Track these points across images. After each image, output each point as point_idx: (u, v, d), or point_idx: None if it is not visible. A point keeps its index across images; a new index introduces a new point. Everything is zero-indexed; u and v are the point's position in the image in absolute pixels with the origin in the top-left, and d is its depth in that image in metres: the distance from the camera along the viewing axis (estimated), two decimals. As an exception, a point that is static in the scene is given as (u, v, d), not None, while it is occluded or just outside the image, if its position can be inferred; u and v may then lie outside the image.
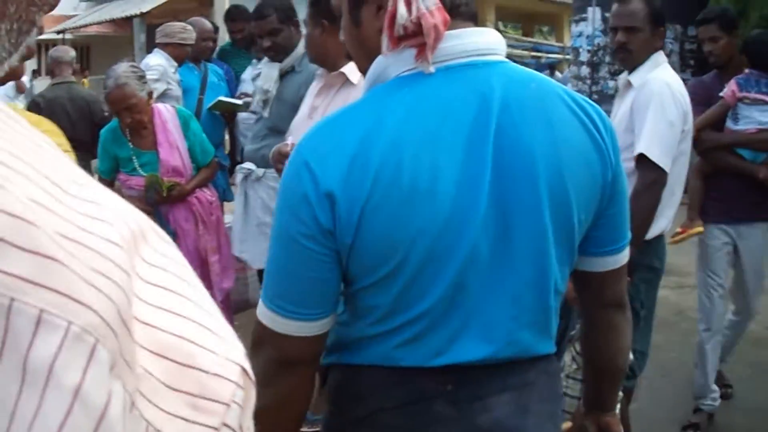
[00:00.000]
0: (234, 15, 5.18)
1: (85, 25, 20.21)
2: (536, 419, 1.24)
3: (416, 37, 1.12)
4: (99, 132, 3.62)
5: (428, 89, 1.15)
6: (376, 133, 1.12)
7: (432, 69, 1.14)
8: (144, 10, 16.88)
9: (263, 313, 1.21)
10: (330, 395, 1.31)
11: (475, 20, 1.23)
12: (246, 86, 4.56)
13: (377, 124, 1.13)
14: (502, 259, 1.16)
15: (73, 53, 4.97)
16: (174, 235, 3.53)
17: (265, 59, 3.59)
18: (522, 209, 1.15)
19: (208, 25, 5.07)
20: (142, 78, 3.39)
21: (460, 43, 1.17)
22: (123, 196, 3.34)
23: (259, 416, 1.31)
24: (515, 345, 1.20)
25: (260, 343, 1.22)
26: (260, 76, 3.62)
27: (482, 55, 1.18)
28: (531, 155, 1.14)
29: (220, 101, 4.54)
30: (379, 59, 1.20)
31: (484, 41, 1.19)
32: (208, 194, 3.65)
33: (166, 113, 3.53)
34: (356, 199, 1.10)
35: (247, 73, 4.69)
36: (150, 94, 3.44)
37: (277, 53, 3.39)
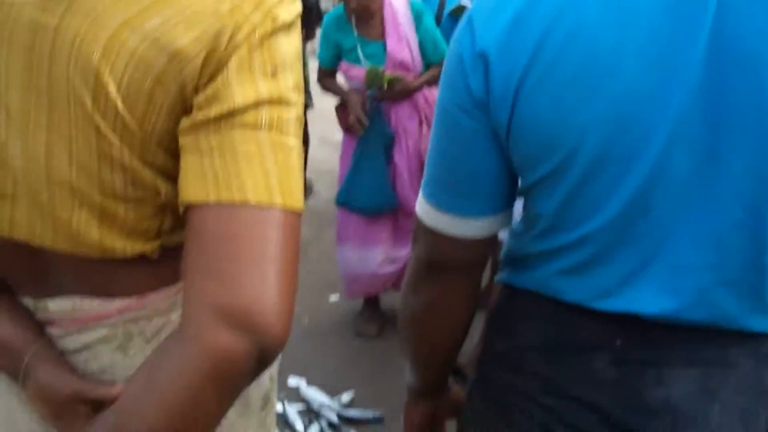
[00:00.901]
0: None
1: None
2: (724, 413, 0.96)
3: None
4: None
5: None
6: None
7: None
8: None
9: (420, 206, 1.10)
10: (487, 321, 1.16)
11: None
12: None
13: None
14: (703, 184, 0.90)
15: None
16: (394, 136, 3.37)
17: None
18: (741, 123, 0.86)
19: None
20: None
21: None
22: (345, 85, 3.25)
23: (411, 323, 1.19)
24: (710, 307, 0.94)
25: (414, 242, 1.12)
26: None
27: None
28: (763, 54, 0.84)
29: (460, 6, 4.27)
30: None
31: None
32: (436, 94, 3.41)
33: (397, 3, 3.33)
34: (514, 66, 0.92)
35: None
36: (381, -19, 3.25)
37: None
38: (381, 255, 3.51)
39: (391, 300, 3.94)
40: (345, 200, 3.49)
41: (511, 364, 1.07)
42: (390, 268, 3.55)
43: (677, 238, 0.92)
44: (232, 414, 1.00)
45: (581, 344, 1.00)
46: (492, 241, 1.10)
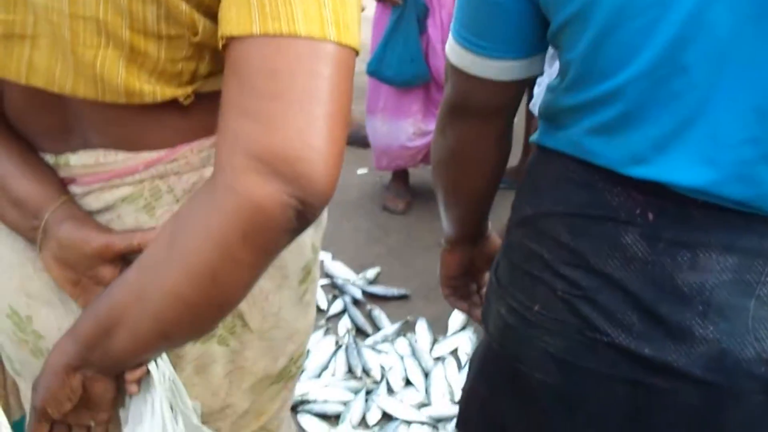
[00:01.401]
0: None
1: None
2: (761, 309, 0.91)
3: None
4: None
5: None
6: None
7: None
8: None
9: (448, 45, 1.07)
10: (518, 185, 1.12)
11: None
12: None
13: None
14: (745, 48, 0.83)
15: None
16: (428, 7, 3.24)
17: None
18: None
19: None
20: None
21: None
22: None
23: (438, 167, 1.20)
24: (751, 183, 0.88)
25: (444, 83, 1.11)
26: None
27: None
28: None
29: None
30: None
31: None
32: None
33: None
34: None
35: None
36: None
37: None
38: (411, 127, 3.43)
39: (421, 176, 3.85)
40: (376, 69, 3.37)
41: (535, 231, 1.03)
42: (420, 142, 3.46)
43: (716, 105, 0.86)
44: (267, 284, 0.91)
45: (611, 215, 0.94)
46: (519, 89, 1.07)
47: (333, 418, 2.42)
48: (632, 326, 0.95)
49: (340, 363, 2.63)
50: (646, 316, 0.94)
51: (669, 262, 0.92)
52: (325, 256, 3.23)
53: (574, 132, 0.98)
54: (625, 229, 0.94)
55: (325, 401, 2.46)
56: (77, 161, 0.85)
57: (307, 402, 2.44)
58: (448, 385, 2.54)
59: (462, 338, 2.75)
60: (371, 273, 3.14)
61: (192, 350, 0.90)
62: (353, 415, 2.40)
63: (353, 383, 2.55)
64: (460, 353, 2.70)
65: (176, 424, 0.85)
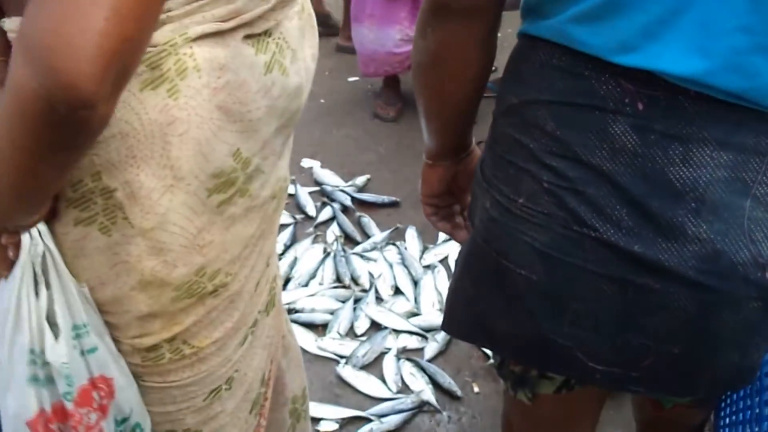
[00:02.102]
0: None
1: None
2: (756, 208, 0.88)
3: None
4: None
5: None
6: None
7: None
8: None
9: None
10: (502, 75, 1.07)
11: None
12: None
13: None
14: None
15: None
16: None
17: None
18: None
19: None
20: None
21: None
22: None
23: (419, 72, 1.14)
24: (744, 74, 0.85)
25: None
26: None
27: None
28: None
29: None
30: None
31: None
32: None
33: None
34: None
35: None
36: None
37: None
38: (398, 34, 3.33)
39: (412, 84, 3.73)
40: None
41: (520, 120, 0.98)
42: (407, 48, 3.36)
43: None
44: (148, 180, 0.87)
45: (599, 104, 0.90)
46: None
47: (320, 328, 2.39)
48: (621, 221, 0.90)
49: (328, 271, 2.59)
50: (636, 211, 0.90)
51: (660, 155, 0.88)
52: (313, 164, 3.16)
53: (559, 20, 0.93)
54: (613, 118, 0.89)
55: (313, 310, 2.43)
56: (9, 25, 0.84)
57: (294, 311, 2.41)
58: (438, 293, 2.51)
59: (452, 246, 2.70)
60: (361, 180, 3.07)
61: (72, 231, 0.90)
62: (341, 325, 2.37)
63: (341, 292, 2.51)
64: (450, 261, 2.66)
65: (36, 297, 0.89)
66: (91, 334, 0.94)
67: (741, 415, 1.23)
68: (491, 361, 2.24)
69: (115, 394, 0.98)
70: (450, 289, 1.18)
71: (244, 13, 0.88)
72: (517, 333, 1.02)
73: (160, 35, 0.82)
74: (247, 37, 0.90)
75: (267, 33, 0.93)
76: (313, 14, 1.10)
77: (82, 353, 0.93)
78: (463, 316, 1.12)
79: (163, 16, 0.81)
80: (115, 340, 0.98)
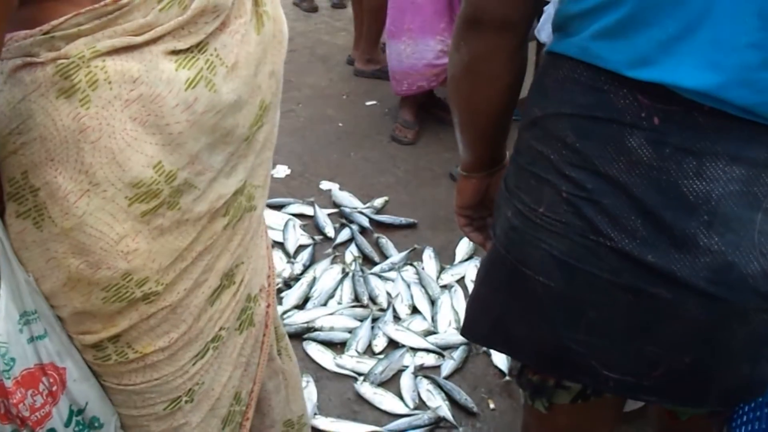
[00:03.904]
0: None
1: None
2: None
3: None
4: None
5: None
6: None
7: None
8: None
9: None
10: (529, 90, 1.11)
11: None
12: None
13: None
14: None
15: None
16: None
17: None
18: None
19: None
20: None
21: None
22: None
23: (453, 85, 1.19)
24: (756, 89, 0.88)
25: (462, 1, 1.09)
26: None
27: None
28: None
29: None
30: None
31: None
32: None
33: None
34: None
35: None
36: None
37: None
38: (439, 45, 3.34)
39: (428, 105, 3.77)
40: None
41: (542, 133, 1.02)
42: (446, 60, 3.36)
43: (720, 9, 0.87)
44: (65, 183, 0.92)
45: (616, 117, 0.94)
46: (533, 1, 1.06)
47: (339, 346, 2.42)
48: (636, 231, 0.94)
49: (346, 291, 2.63)
50: (651, 222, 0.93)
51: (674, 168, 0.91)
52: (332, 186, 3.20)
53: (582, 38, 0.97)
54: (630, 132, 0.93)
55: (331, 329, 2.46)
56: None
57: (313, 330, 2.44)
58: (455, 312, 2.53)
59: (469, 267, 2.73)
60: (379, 202, 3.11)
61: (14, 223, 0.95)
62: (359, 343, 2.40)
63: (359, 311, 2.54)
64: (466, 281, 2.68)
65: None
66: (40, 321, 0.99)
67: (752, 425, 1.25)
68: (507, 378, 2.27)
69: (66, 384, 1.03)
70: (471, 296, 1.22)
71: (157, 26, 0.91)
72: (535, 338, 1.05)
73: (72, 48, 0.87)
74: (173, 53, 0.93)
75: (199, 48, 0.95)
76: (283, 30, 1.10)
77: (31, 339, 0.98)
78: (483, 321, 1.15)
79: (74, 30, 0.87)
80: (68, 334, 1.03)
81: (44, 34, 0.87)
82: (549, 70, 1.04)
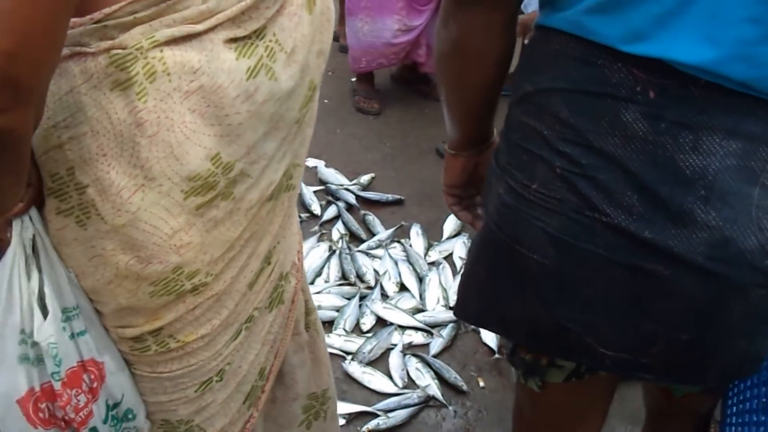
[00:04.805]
0: None
1: None
2: (766, 197, 0.89)
3: None
4: None
5: None
6: None
7: None
8: None
9: None
10: (518, 64, 1.09)
11: None
12: None
13: None
14: None
15: None
16: None
17: None
18: None
19: None
20: None
21: None
22: None
23: (441, 62, 1.19)
24: (753, 64, 0.86)
25: None
26: None
27: None
28: None
29: None
30: None
31: None
32: None
33: None
34: None
35: None
36: None
37: None
38: (396, 24, 3.35)
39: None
40: None
41: (534, 108, 1.00)
42: (404, 38, 3.40)
43: None
44: (120, 178, 0.88)
45: (611, 92, 0.92)
46: None
47: (326, 325, 2.39)
48: (632, 207, 0.91)
49: (333, 269, 2.60)
50: (647, 197, 0.91)
51: (670, 142, 0.89)
52: (318, 163, 3.17)
53: (574, 12, 0.94)
54: (625, 106, 0.91)
55: (319, 307, 2.42)
56: None
57: (300, 308, 2.42)
58: (443, 290, 2.52)
59: (457, 243, 2.72)
60: (365, 179, 3.08)
61: (54, 219, 0.91)
62: (347, 321, 2.38)
63: (347, 289, 2.52)
64: (454, 258, 2.67)
65: (27, 279, 0.92)
66: (81, 317, 0.96)
67: (748, 404, 1.24)
68: (496, 355, 2.25)
69: (105, 378, 1.00)
70: (463, 275, 1.19)
71: (219, 12, 0.87)
72: (529, 318, 1.03)
73: (128, 38, 0.82)
74: (232, 40, 0.89)
75: (258, 34, 0.91)
76: (331, 6, 1.07)
77: (72, 336, 0.96)
78: (476, 301, 1.13)
79: (130, 18, 0.82)
80: (104, 327, 1.00)
81: (96, 22, 0.81)
82: (539, 45, 1.02)
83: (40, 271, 0.93)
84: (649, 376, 1.03)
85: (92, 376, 0.98)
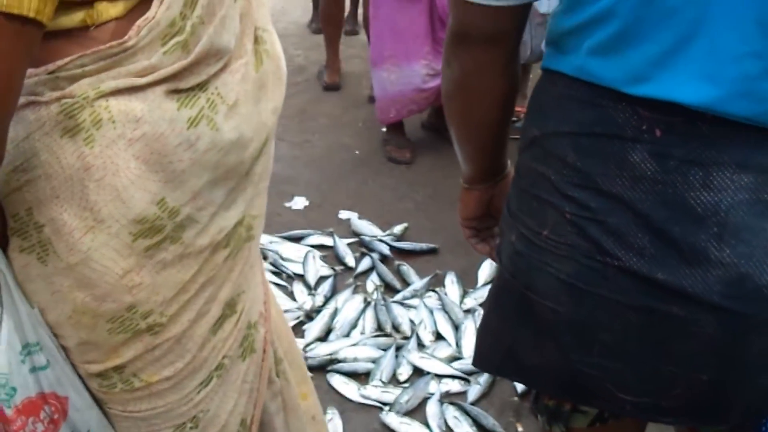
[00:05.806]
0: None
1: None
2: None
3: None
4: None
5: None
6: None
7: None
8: None
9: None
10: (526, 109, 1.10)
11: None
12: None
13: None
14: None
15: None
16: None
17: None
18: None
19: None
20: None
21: None
22: None
23: (447, 101, 1.19)
24: (757, 100, 0.86)
25: (449, 14, 1.09)
26: None
27: None
28: None
29: None
30: None
31: None
32: None
33: None
34: None
35: None
36: None
37: None
38: (424, 69, 3.36)
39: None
40: None
41: (542, 153, 1.00)
42: (434, 83, 3.37)
43: (715, 19, 0.85)
44: (70, 219, 0.95)
45: (617, 132, 0.92)
46: (520, 14, 1.04)
47: (363, 377, 2.39)
48: (644, 249, 0.91)
49: (369, 320, 2.61)
50: (659, 238, 0.91)
51: (680, 180, 0.89)
52: (351, 215, 3.20)
53: (576, 55, 0.95)
54: (632, 146, 0.91)
55: (355, 359, 2.44)
56: None
57: (336, 361, 2.43)
58: (479, 337, 2.50)
59: (492, 289, 2.70)
60: (398, 229, 3.09)
61: (18, 257, 0.97)
62: (383, 372, 2.38)
63: (383, 340, 2.52)
64: (490, 304, 2.65)
65: None
66: (41, 353, 1.01)
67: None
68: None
69: (68, 413, 1.05)
70: (480, 324, 1.20)
71: (161, 68, 0.93)
72: (546, 366, 1.03)
73: (77, 88, 0.90)
74: (174, 92, 0.95)
75: (200, 87, 0.97)
76: (282, 66, 1.11)
77: (33, 369, 1.01)
78: (494, 351, 1.13)
79: (79, 71, 0.89)
80: (72, 363, 1.05)
81: (49, 73, 0.89)
82: (545, 88, 1.03)
83: (1, 305, 0.98)
84: (671, 419, 1.02)
85: (53, 408, 1.03)
